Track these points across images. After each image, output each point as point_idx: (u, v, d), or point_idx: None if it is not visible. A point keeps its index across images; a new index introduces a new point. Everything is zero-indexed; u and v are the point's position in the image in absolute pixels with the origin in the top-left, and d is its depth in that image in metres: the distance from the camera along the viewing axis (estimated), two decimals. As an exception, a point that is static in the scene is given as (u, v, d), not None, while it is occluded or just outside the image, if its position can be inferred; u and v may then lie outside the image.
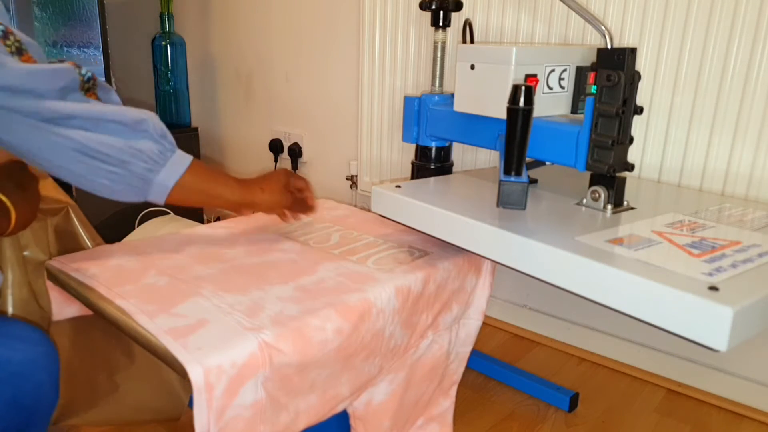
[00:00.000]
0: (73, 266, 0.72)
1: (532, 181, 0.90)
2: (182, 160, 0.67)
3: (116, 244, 0.81)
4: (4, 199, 0.60)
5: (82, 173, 0.61)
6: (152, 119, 0.65)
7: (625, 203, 0.78)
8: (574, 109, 0.83)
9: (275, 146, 1.69)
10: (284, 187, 0.82)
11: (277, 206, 0.82)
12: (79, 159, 0.60)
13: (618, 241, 0.65)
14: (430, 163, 1.02)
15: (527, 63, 0.77)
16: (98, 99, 0.63)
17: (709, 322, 0.52)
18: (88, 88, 0.62)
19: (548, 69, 0.79)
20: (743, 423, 1.00)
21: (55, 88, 0.57)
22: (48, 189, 0.78)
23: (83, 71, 0.61)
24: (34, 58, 0.58)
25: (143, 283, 0.68)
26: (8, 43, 0.56)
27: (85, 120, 0.59)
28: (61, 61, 0.60)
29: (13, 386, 0.54)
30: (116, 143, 0.61)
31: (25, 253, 0.76)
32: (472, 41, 1.01)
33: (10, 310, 0.73)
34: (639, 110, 0.72)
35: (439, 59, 1.00)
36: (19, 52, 0.57)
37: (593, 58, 0.82)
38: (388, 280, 0.72)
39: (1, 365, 0.54)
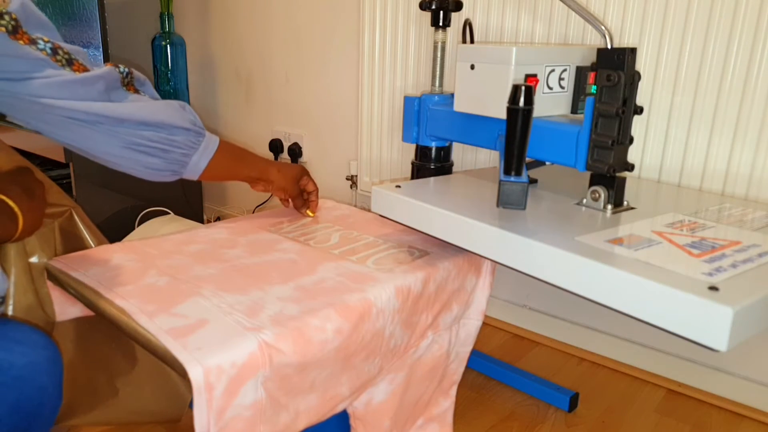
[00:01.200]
0: (73, 266, 0.72)
1: (532, 181, 0.90)
2: (211, 143, 0.79)
3: (116, 244, 0.81)
4: (12, 204, 0.63)
5: (127, 164, 0.72)
6: (183, 113, 0.75)
7: (625, 203, 0.78)
8: (574, 109, 0.83)
9: (275, 146, 1.69)
10: (296, 179, 0.93)
11: (285, 191, 0.93)
12: (126, 153, 0.71)
13: (618, 241, 0.65)
14: (430, 163, 1.02)
15: (527, 63, 0.77)
16: (136, 90, 0.73)
17: (709, 322, 0.52)
18: (128, 82, 0.72)
19: (548, 69, 0.79)
20: (743, 423, 1.00)
21: (103, 90, 0.68)
22: (52, 194, 0.78)
23: (121, 69, 0.71)
24: (84, 65, 0.67)
25: (143, 283, 0.68)
26: (58, 57, 0.64)
27: (132, 122, 0.70)
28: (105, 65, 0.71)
29: (15, 390, 0.54)
30: (156, 137, 0.72)
31: (32, 259, 0.76)
32: (472, 41, 1.01)
33: (10, 312, 0.73)
34: (639, 110, 0.72)
35: (439, 59, 1.00)
36: (69, 63, 0.65)
37: (593, 58, 0.82)
38: (388, 280, 0.72)
39: (4, 370, 0.54)
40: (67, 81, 0.64)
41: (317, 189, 0.98)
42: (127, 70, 0.72)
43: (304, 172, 0.95)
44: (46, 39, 0.63)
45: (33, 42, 0.62)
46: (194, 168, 0.77)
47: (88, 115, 0.66)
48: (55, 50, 0.63)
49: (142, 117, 0.70)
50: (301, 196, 0.96)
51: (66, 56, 0.65)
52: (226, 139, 0.82)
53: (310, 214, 0.97)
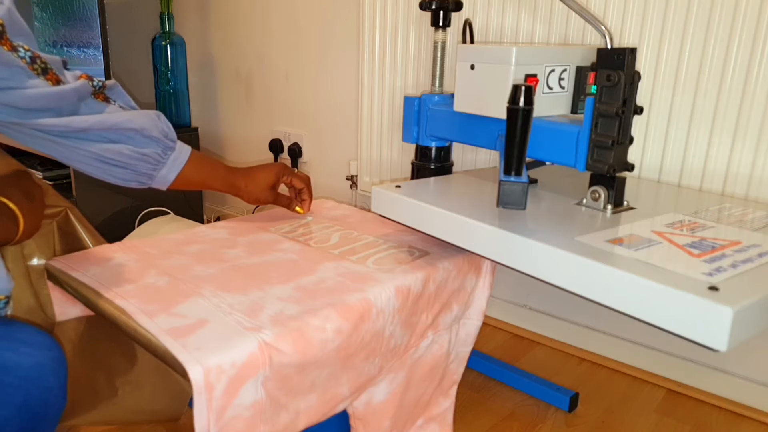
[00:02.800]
0: (73, 266, 0.72)
1: (532, 181, 0.90)
2: (181, 155, 0.78)
3: (116, 244, 0.81)
4: (12, 206, 0.64)
5: (97, 173, 0.73)
6: (156, 122, 0.75)
7: (625, 203, 0.78)
8: (574, 109, 0.83)
9: (275, 146, 1.69)
10: (269, 185, 0.89)
11: (259, 200, 0.89)
12: (95, 163, 0.71)
13: (618, 241, 0.65)
14: (430, 163, 1.02)
15: (527, 63, 0.77)
16: (107, 98, 0.73)
17: (709, 322, 0.52)
18: (99, 92, 0.72)
19: (548, 69, 0.79)
20: (743, 423, 1.00)
21: (74, 102, 0.68)
22: (48, 196, 0.79)
23: (95, 82, 0.72)
24: (57, 74, 0.68)
25: (143, 283, 0.68)
26: (35, 66, 0.65)
27: (100, 132, 0.70)
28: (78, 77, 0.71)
29: (23, 391, 0.54)
30: (125, 150, 0.72)
31: (32, 262, 0.76)
32: (472, 41, 1.01)
33: (9, 313, 0.74)
34: (639, 110, 0.72)
35: (439, 59, 1.00)
36: (44, 72, 0.66)
37: (593, 58, 0.82)
38: (388, 280, 0.72)
39: (11, 370, 0.54)
40: (41, 94, 0.64)
41: (307, 185, 0.95)
42: (100, 83, 0.72)
43: (283, 173, 0.91)
44: (26, 47, 0.64)
45: (14, 49, 0.62)
46: (162, 180, 0.77)
47: (54, 128, 0.67)
48: (33, 59, 0.64)
49: (111, 125, 0.70)
50: (281, 199, 0.93)
51: (42, 65, 0.65)
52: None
53: (299, 210, 0.95)
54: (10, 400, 0.53)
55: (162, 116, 0.77)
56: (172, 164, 0.77)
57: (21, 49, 0.63)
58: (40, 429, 0.56)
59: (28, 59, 0.64)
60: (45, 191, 0.75)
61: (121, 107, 0.74)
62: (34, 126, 0.65)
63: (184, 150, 0.79)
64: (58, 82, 0.67)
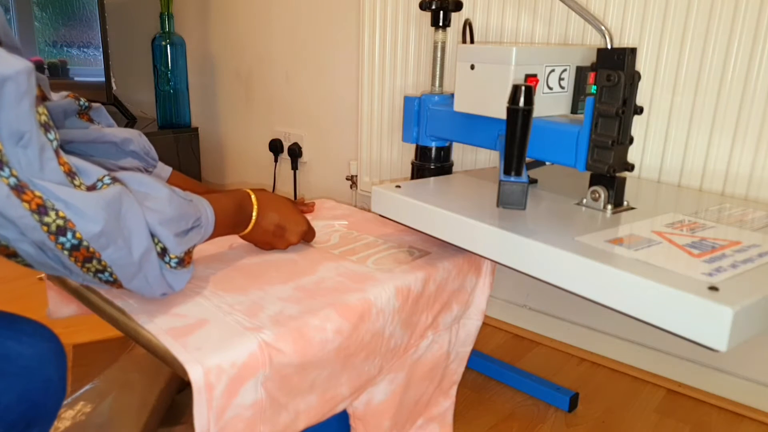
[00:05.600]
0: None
1: (532, 181, 0.90)
2: (163, 172, 0.82)
3: (116, 244, 0.81)
4: (255, 206, 0.72)
5: None
6: (136, 138, 0.79)
7: (625, 203, 0.78)
8: (574, 109, 0.83)
9: (275, 146, 1.69)
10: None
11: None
12: None
13: (618, 241, 0.65)
14: (430, 163, 1.02)
15: (527, 63, 0.77)
16: (90, 119, 0.77)
17: (709, 322, 0.52)
18: (84, 112, 0.76)
19: (548, 69, 0.79)
20: (743, 423, 1.00)
21: (60, 119, 0.72)
22: None
23: (81, 102, 0.75)
24: (44, 91, 0.71)
25: (143, 283, 0.68)
26: None
27: (81, 143, 0.73)
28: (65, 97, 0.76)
29: (24, 380, 0.55)
30: (105, 164, 0.74)
31: None
32: (472, 41, 1.01)
33: None
34: (639, 110, 0.72)
35: (439, 59, 1.00)
36: None
37: (593, 58, 0.82)
38: (388, 280, 0.72)
39: (13, 359, 0.55)
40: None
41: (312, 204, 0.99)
42: (86, 103, 0.75)
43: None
44: None
45: None
46: None
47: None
48: None
49: (94, 137, 0.74)
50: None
51: None
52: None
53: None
54: (12, 388, 0.54)
55: (143, 136, 0.80)
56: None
57: None
58: (39, 418, 0.57)
59: None
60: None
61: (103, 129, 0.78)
62: None
63: (165, 168, 0.82)
64: (44, 98, 0.68)
